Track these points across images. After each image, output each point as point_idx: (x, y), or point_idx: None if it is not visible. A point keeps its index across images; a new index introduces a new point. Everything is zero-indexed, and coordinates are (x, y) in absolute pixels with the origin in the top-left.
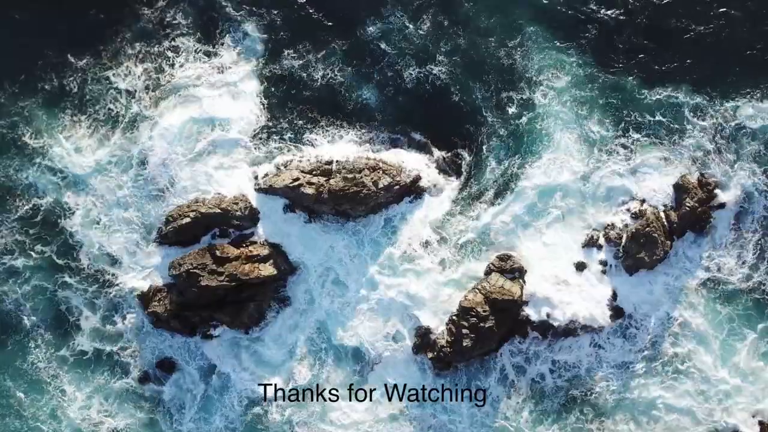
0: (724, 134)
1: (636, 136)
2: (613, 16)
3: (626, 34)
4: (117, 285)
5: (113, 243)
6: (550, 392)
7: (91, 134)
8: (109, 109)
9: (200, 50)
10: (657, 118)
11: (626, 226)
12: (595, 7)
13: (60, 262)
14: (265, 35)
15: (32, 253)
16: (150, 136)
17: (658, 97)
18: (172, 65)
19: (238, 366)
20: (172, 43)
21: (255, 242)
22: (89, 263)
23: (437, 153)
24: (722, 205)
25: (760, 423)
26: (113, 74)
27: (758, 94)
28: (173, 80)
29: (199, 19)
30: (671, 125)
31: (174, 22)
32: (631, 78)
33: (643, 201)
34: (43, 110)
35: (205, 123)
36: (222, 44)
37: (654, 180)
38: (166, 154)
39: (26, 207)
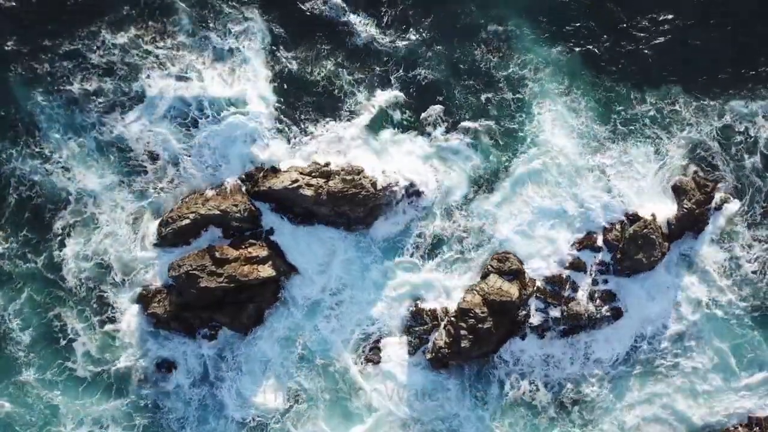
0: (716, 134)
1: (626, 132)
2: (601, 14)
3: (614, 32)
4: (112, 290)
5: (107, 245)
6: (546, 396)
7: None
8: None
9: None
10: (648, 116)
11: (624, 227)
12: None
13: (50, 276)
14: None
15: (20, 259)
16: (134, 119)
17: (648, 94)
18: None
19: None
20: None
21: (254, 243)
22: (82, 267)
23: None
24: (718, 207)
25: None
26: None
27: (750, 95)
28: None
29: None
30: (663, 123)
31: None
32: (620, 74)
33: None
34: (23, 89)
35: (198, 104)
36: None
37: (647, 179)
38: (154, 141)
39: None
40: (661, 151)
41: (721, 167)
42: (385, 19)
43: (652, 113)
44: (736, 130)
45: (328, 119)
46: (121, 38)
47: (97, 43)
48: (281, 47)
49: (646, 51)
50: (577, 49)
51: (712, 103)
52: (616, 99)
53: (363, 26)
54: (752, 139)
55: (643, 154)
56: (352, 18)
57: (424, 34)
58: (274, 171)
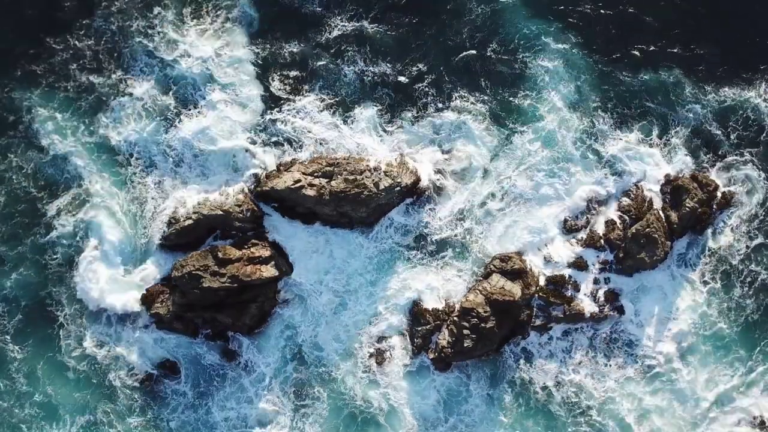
0: (713, 120)
1: (624, 111)
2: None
3: (612, 15)
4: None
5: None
6: (557, 397)
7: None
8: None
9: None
10: (644, 100)
11: (627, 226)
12: None
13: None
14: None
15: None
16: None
17: (645, 78)
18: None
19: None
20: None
21: (257, 243)
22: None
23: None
24: (720, 206)
25: (758, 421)
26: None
27: (747, 81)
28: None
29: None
30: (659, 109)
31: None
32: (619, 57)
33: (637, 186)
34: (23, 88)
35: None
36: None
37: (644, 162)
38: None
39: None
40: (663, 130)
41: (723, 150)
42: (376, 10)
43: (650, 93)
44: (738, 114)
45: (322, 108)
46: (113, 26)
47: (89, 32)
48: (271, 35)
49: (643, 31)
50: (573, 29)
51: (708, 87)
52: (613, 76)
53: (354, 16)
54: (755, 127)
55: (641, 134)
56: (340, 8)
57: (414, 18)
58: (278, 169)
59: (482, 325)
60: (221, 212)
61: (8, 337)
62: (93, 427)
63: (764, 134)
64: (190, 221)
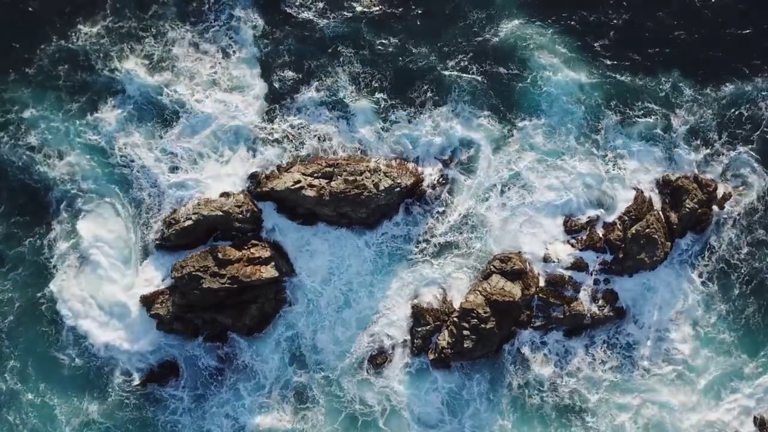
0: (713, 119)
1: (627, 114)
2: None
3: (610, 16)
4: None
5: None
6: (545, 398)
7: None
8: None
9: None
10: (644, 100)
11: (626, 227)
12: None
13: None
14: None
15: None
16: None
17: (645, 77)
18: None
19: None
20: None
21: (257, 244)
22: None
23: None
24: (720, 206)
25: (755, 418)
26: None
27: (746, 79)
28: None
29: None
30: (660, 109)
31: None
32: (619, 57)
33: (636, 189)
34: (15, 87)
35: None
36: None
37: (645, 161)
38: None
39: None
40: (664, 130)
41: (722, 148)
42: (374, 13)
43: (650, 92)
44: (736, 112)
45: (322, 109)
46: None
47: (84, 33)
48: (272, 36)
49: (642, 31)
50: (572, 30)
51: (708, 87)
52: (613, 76)
53: (353, 18)
54: (754, 125)
55: (642, 133)
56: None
57: (412, 19)
58: (278, 169)
59: (482, 325)
60: (221, 213)
61: (3, 335)
62: (87, 427)
63: (759, 131)
64: (190, 222)
